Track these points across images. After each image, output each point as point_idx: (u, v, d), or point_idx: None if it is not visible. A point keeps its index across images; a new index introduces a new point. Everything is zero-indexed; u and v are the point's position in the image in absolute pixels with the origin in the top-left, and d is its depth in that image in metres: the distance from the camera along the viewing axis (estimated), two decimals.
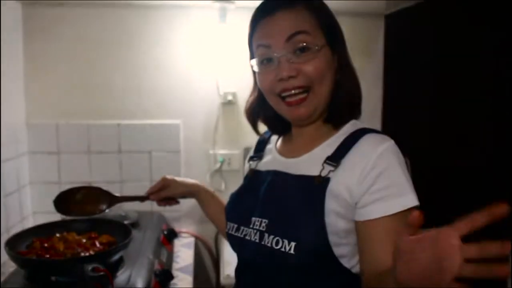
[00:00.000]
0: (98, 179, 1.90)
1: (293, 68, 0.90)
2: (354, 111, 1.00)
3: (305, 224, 0.86)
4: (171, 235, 1.75)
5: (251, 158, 1.14)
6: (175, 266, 1.63)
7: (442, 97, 1.85)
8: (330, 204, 0.86)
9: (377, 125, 2.13)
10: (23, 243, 1.31)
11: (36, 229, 1.40)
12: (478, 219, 0.56)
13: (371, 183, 0.85)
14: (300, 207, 0.89)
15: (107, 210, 1.32)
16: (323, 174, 0.89)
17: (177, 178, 1.30)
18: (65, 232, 1.39)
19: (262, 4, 0.97)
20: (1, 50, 1.61)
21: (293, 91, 0.92)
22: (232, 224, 1.02)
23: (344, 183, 0.87)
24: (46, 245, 1.29)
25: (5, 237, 1.31)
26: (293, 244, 0.85)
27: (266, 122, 1.10)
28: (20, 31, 1.85)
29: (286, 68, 0.90)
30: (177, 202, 1.34)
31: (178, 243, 1.86)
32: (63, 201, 1.31)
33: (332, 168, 0.89)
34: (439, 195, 1.77)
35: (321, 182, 0.88)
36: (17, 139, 1.78)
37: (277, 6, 0.92)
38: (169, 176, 1.30)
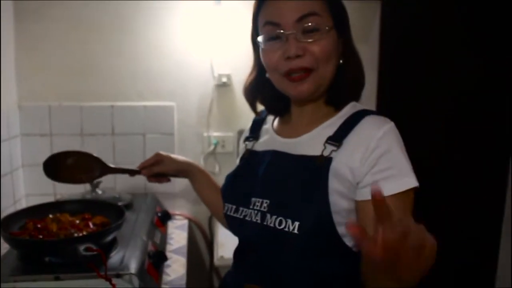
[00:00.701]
0: None
1: (301, 47, 0.90)
2: (355, 95, 1.01)
3: (309, 203, 0.87)
4: (165, 217, 1.75)
5: (247, 139, 1.13)
6: (169, 248, 1.63)
7: (437, 82, 1.85)
8: (333, 184, 0.87)
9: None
10: (16, 224, 1.30)
11: (29, 210, 1.39)
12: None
13: (373, 163, 0.86)
14: (303, 187, 0.89)
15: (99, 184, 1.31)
16: (325, 154, 0.90)
17: (172, 155, 1.30)
18: (58, 213, 1.38)
19: None
20: None
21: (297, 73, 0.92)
22: (230, 205, 1.02)
23: (347, 163, 0.88)
24: (39, 226, 1.28)
25: None
26: (296, 223, 0.86)
27: (264, 102, 1.09)
28: (11, 12, 1.81)
29: (294, 46, 0.90)
30: (168, 180, 1.34)
31: (171, 225, 1.87)
32: (52, 166, 1.29)
33: (334, 148, 0.90)
34: (433, 180, 1.78)
35: (324, 162, 0.89)
36: (9, 122, 1.76)
37: None
38: (163, 152, 1.30)
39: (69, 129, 1.89)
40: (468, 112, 1.67)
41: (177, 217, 1.98)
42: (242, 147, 1.15)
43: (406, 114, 2.02)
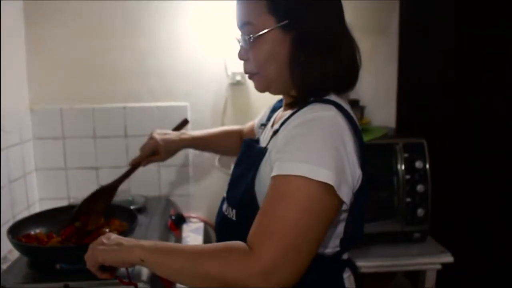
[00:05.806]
0: (104, 164, 1.88)
1: (244, 53, 0.96)
2: (330, 88, 0.91)
3: (242, 191, 0.93)
4: (180, 220, 1.71)
5: (260, 126, 1.18)
6: None
7: (459, 76, 1.78)
8: (265, 170, 0.89)
9: (392, 105, 2.06)
10: (27, 230, 1.28)
11: (42, 215, 1.38)
12: None
13: (285, 142, 0.83)
14: (244, 176, 0.96)
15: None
16: (268, 145, 0.95)
17: (166, 138, 1.43)
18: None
19: None
20: (2, 35, 1.56)
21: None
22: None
23: (276, 148, 0.87)
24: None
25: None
26: (234, 211, 0.95)
27: None
28: (22, 14, 1.79)
29: (241, 52, 0.97)
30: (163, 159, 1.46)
31: (186, 228, 1.82)
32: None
33: (274, 136, 0.94)
34: (456, 177, 1.71)
35: (265, 152, 0.93)
36: (21, 125, 1.74)
37: None
38: (157, 136, 1.42)
39: (82, 131, 1.87)
40: (496, 106, 1.59)
41: (192, 220, 1.93)
42: (256, 132, 1.23)
43: (427, 110, 1.95)
